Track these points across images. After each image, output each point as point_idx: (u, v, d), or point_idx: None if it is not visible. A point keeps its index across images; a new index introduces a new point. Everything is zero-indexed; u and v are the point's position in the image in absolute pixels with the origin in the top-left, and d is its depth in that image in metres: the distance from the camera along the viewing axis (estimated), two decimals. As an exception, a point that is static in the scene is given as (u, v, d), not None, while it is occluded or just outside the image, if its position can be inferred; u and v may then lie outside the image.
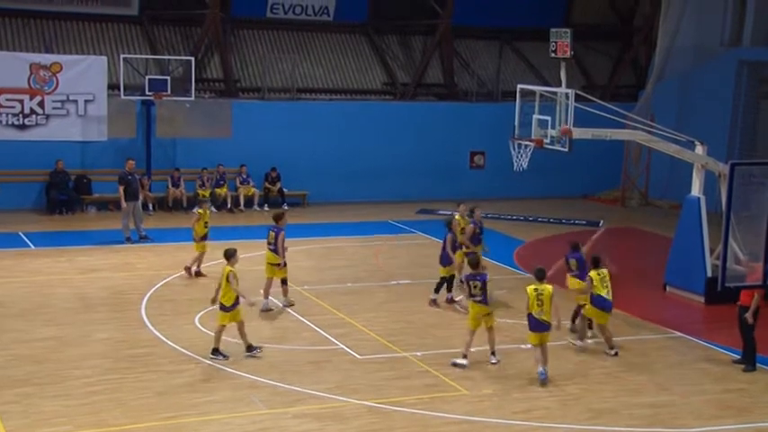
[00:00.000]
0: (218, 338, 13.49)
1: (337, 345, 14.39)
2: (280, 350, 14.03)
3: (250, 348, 13.59)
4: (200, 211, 18.72)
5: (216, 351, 13.43)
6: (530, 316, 13.12)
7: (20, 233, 21.84)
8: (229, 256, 13.60)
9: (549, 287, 13.09)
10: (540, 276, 13.20)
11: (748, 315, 13.64)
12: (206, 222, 18.50)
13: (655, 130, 18.75)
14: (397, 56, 30.49)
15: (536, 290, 13.05)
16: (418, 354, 14.02)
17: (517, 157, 18.81)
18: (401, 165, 28.28)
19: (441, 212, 26.99)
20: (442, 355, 13.93)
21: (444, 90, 30.42)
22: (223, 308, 13.41)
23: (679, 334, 15.72)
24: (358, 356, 13.88)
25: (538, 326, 13.06)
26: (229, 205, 26.03)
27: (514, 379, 13.16)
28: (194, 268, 18.29)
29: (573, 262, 15.31)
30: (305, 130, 27.30)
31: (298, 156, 27.04)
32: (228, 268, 13.41)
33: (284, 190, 26.89)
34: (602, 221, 25.72)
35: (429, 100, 30.19)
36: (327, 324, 15.40)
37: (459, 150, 29.27)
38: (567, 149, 17.51)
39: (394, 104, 29.26)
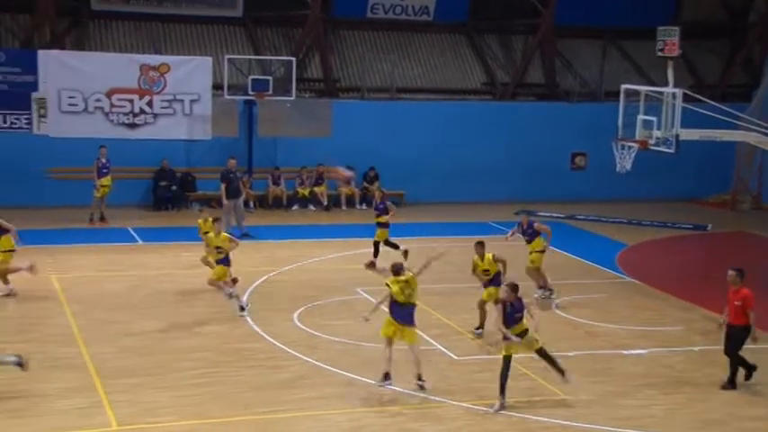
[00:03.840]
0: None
1: (434, 345, 14.32)
2: (377, 349, 14.02)
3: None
4: (200, 221, 17.17)
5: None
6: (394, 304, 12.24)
7: (128, 228, 22.56)
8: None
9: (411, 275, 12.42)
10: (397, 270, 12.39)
11: None
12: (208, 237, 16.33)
13: (769, 132, 18.04)
14: (497, 55, 30.22)
15: (398, 281, 12.25)
16: (516, 356, 13.81)
17: (620, 158, 18.42)
18: (500, 165, 28.00)
19: (540, 214, 26.63)
20: (541, 359, 13.68)
21: (545, 90, 30.00)
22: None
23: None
24: (455, 357, 13.79)
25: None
26: (326, 204, 26.28)
27: (616, 385, 12.83)
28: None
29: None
30: (403, 130, 27.32)
31: (396, 155, 27.09)
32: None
33: (382, 189, 26.91)
34: (709, 225, 24.92)
35: (529, 100, 29.82)
36: (424, 324, 15.27)
37: (559, 151, 28.80)
38: (673, 151, 17.02)
39: (493, 104, 29.00)
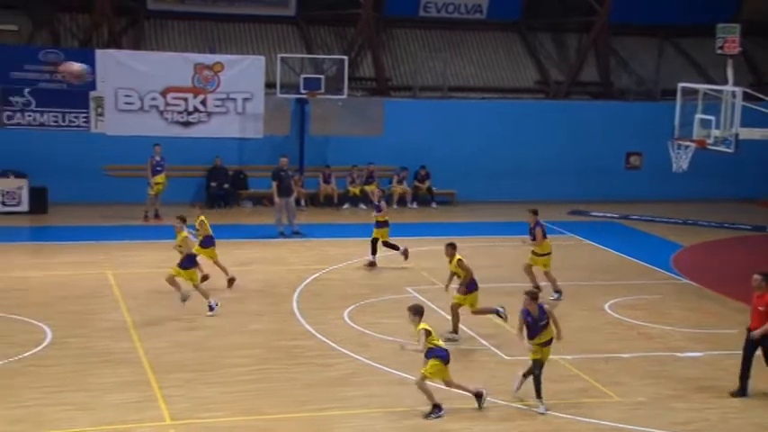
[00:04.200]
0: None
1: (484, 345, 14.23)
2: (427, 348, 14.00)
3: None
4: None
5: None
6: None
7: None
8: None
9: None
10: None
11: None
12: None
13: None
14: (551, 54, 29.94)
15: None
16: (568, 357, 13.66)
17: (677, 157, 18.11)
18: (552, 164, 27.73)
19: (593, 214, 26.33)
20: (593, 360, 13.54)
21: (600, 89, 29.63)
22: None
23: None
24: (505, 357, 13.68)
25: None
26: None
27: (670, 387, 12.61)
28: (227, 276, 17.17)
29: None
30: (455, 129, 27.21)
31: (447, 154, 26.98)
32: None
33: (433, 188, 26.92)
34: None
35: (583, 99, 29.47)
36: (474, 323, 15.25)
37: (613, 150, 28.41)
38: (732, 150, 16.68)
39: (546, 103, 28.74)
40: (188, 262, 15.49)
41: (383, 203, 19.45)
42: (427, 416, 11.35)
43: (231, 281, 17.10)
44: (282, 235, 21.61)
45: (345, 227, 23.83)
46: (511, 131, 27.56)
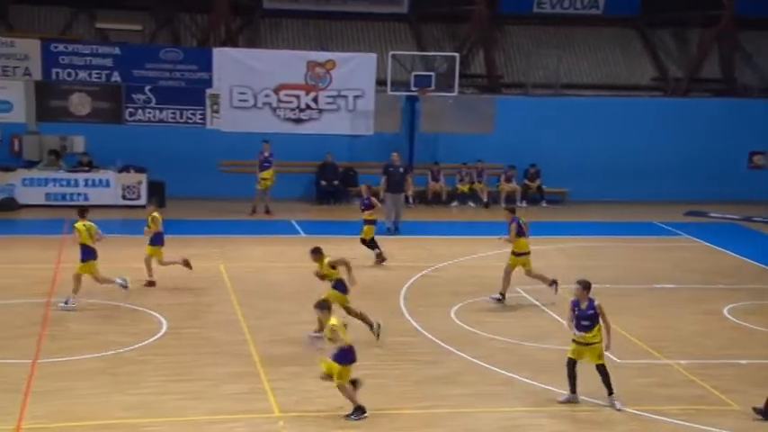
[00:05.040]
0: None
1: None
2: (535, 348, 13.77)
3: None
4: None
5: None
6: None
7: (292, 221, 23.18)
8: None
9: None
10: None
11: None
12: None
13: None
14: (670, 50, 29.02)
15: None
16: (683, 362, 13.19)
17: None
18: (669, 164, 26.87)
19: (712, 215, 25.36)
20: (711, 366, 13.03)
21: (721, 85, 28.55)
22: None
23: None
24: (617, 360, 13.29)
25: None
26: (485, 201, 26.06)
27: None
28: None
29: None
30: (568, 127, 26.70)
31: (560, 152, 26.50)
32: None
33: (543, 187, 26.50)
34: None
35: (704, 96, 28.49)
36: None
37: (736, 150, 27.36)
38: None
39: (664, 101, 27.91)
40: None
41: (374, 200, 19.06)
42: (348, 416, 11.04)
43: (186, 262, 16.70)
44: (390, 231, 21.66)
45: (453, 225, 23.71)
46: (626, 129, 26.87)
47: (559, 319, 15.17)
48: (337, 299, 13.60)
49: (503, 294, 15.94)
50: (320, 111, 25.92)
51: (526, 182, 26.56)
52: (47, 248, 18.31)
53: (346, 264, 13.90)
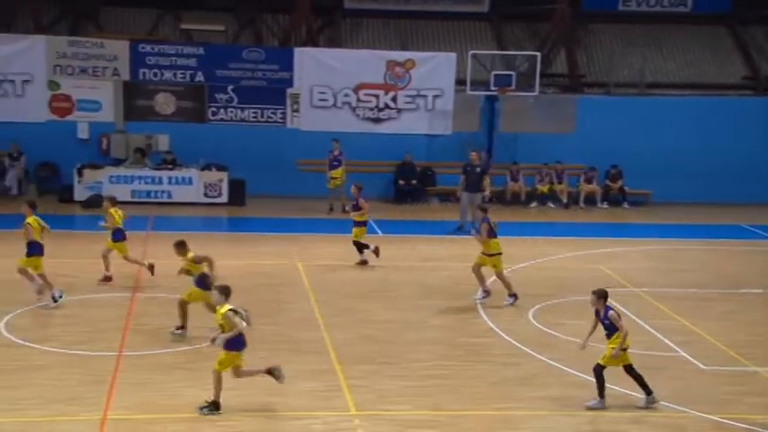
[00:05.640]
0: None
1: (677, 352, 13.54)
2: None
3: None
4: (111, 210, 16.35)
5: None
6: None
7: (369, 220, 23.20)
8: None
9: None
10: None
11: None
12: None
13: None
14: (763, 48, 28.09)
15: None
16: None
17: None
18: (759, 164, 26.04)
19: (803, 219, 24.50)
20: (799, 376, 12.56)
21: (818, 85, 27.60)
22: None
23: None
24: (702, 366, 12.94)
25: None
26: (565, 201, 25.69)
27: None
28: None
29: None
30: (652, 127, 26.14)
31: (643, 153, 25.96)
32: None
33: (625, 188, 25.98)
34: None
35: (796, 95, 27.54)
36: (667, 329, 14.56)
37: (829, 151, 26.35)
38: None
39: (755, 100, 27.10)
40: (31, 249, 14.75)
41: (361, 201, 18.68)
42: (201, 409, 10.84)
43: (151, 267, 16.41)
44: (461, 230, 21.44)
45: (531, 225, 23.44)
46: (713, 129, 26.16)
47: (639, 321, 14.86)
48: (198, 296, 13.40)
49: (487, 291, 15.80)
50: (399, 110, 25.95)
51: (607, 183, 26.10)
52: (132, 244, 18.70)
53: (210, 261, 13.52)
